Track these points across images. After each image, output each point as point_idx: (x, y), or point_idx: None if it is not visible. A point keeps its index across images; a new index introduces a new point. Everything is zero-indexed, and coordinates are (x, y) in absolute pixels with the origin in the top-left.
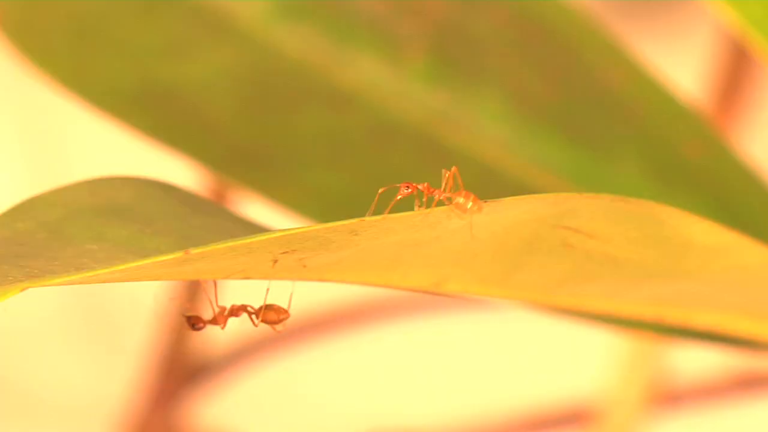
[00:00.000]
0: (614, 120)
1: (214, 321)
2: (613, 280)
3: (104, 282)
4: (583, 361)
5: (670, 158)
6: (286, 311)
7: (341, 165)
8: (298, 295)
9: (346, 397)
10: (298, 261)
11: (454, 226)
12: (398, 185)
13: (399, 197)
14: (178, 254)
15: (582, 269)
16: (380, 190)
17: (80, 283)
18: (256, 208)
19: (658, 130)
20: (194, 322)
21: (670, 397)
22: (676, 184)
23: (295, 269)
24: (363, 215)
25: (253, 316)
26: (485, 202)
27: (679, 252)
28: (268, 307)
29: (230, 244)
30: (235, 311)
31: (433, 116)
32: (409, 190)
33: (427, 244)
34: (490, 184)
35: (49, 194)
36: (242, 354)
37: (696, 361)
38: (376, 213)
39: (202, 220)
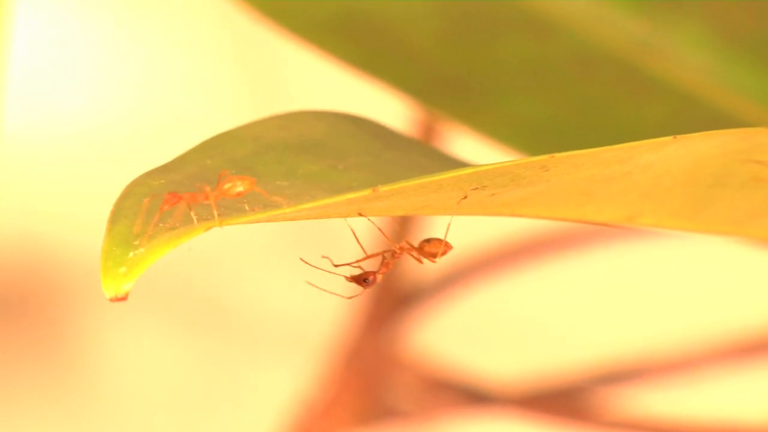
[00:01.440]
0: None
1: (381, 269)
2: None
3: (291, 220)
4: None
5: None
6: (448, 243)
7: (543, 94)
8: (508, 219)
9: (558, 322)
10: (489, 197)
11: (645, 162)
12: (163, 195)
13: (165, 208)
14: (367, 191)
15: None
16: (145, 202)
17: (267, 221)
18: (465, 142)
19: None
20: (364, 278)
21: None
22: None
23: (486, 205)
24: (565, 144)
25: (414, 253)
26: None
27: None
28: (428, 241)
29: (420, 180)
30: (396, 253)
31: (635, 44)
32: (175, 199)
33: (618, 179)
34: (691, 112)
35: (239, 129)
36: (453, 279)
37: None
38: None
39: (395, 155)
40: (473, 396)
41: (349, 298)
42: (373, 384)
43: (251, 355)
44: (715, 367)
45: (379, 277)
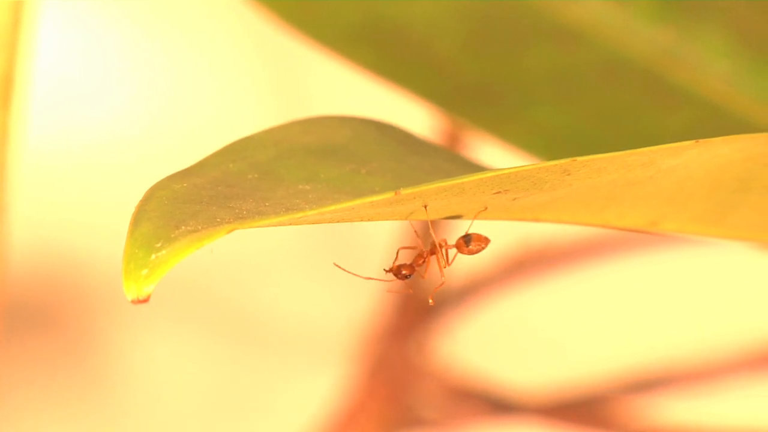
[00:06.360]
0: None
1: (418, 264)
2: None
3: (314, 223)
4: None
5: None
6: (486, 238)
7: (567, 102)
8: (535, 229)
9: (579, 333)
10: (511, 201)
11: (668, 166)
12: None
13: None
14: (389, 194)
15: None
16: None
17: (289, 224)
18: (489, 150)
19: None
20: (401, 271)
21: None
22: None
23: (508, 209)
24: (590, 152)
25: (451, 251)
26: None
27: None
28: (466, 238)
29: (442, 184)
30: (434, 250)
31: (658, 53)
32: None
33: (641, 183)
34: (714, 120)
35: (261, 134)
36: (477, 288)
37: None
38: None
39: (418, 160)
40: (497, 405)
41: (387, 281)
42: (399, 392)
43: (277, 363)
44: (740, 376)
45: (423, 269)
